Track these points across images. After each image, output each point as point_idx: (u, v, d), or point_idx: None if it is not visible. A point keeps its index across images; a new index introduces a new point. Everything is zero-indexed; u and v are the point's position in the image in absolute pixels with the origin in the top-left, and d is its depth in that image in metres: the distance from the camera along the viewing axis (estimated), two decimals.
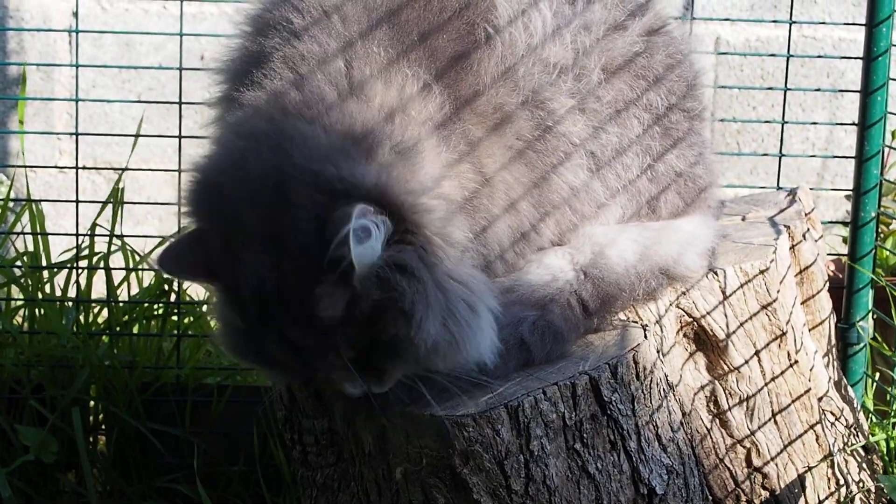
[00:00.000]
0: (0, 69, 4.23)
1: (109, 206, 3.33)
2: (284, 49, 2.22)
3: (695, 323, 2.51)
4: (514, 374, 2.26)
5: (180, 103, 3.31)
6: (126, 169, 3.29)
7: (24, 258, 3.24)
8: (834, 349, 2.87)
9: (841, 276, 3.26)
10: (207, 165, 2.17)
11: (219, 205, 2.09)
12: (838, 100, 4.35)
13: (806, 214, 2.87)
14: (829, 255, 3.21)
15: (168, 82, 4.24)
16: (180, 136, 3.27)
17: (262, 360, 2.11)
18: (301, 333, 2.04)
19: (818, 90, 4.11)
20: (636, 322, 2.41)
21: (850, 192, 3.23)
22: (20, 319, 3.38)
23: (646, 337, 2.35)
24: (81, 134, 3.40)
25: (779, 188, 3.32)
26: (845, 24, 3.57)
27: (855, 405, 2.83)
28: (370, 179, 2.03)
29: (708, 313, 2.51)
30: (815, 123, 3.83)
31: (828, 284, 2.84)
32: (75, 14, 4.21)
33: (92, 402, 3.21)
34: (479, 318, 2.12)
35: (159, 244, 3.35)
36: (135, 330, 3.31)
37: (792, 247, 2.75)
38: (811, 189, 3.05)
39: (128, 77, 4.25)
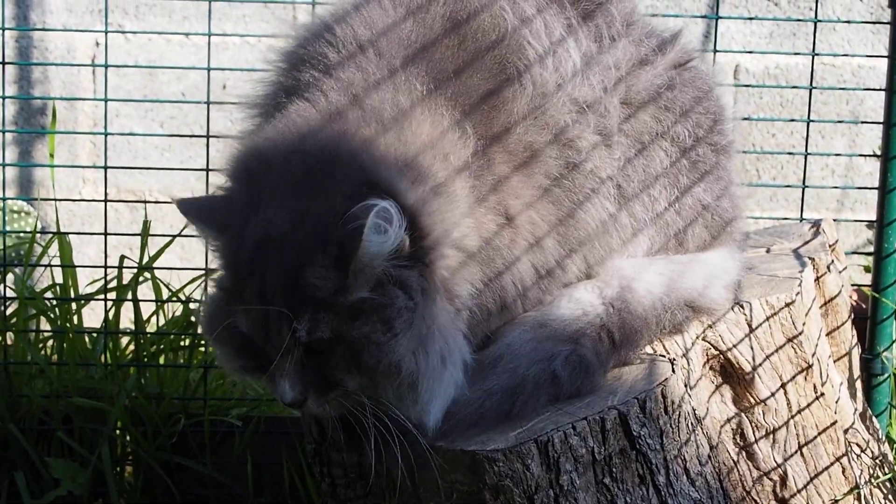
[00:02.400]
0: (25, 92, 4.25)
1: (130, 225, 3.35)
2: (325, 79, 2.26)
3: (721, 356, 2.52)
4: (544, 409, 2.27)
5: (207, 136, 3.33)
6: (149, 201, 3.31)
7: (54, 290, 3.26)
8: (858, 380, 2.89)
9: (864, 305, 3.27)
10: (260, 137, 2.23)
11: (260, 170, 2.13)
12: (858, 126, 4.36)
13: (830, 246, 2.88)
14: (852, 285, 3.22)
15: (190, 111, 4.26)
16: (207, 169, 3.30)
17: (226, 332, 2.14)
18: (279, 288, 2.05)
19: (840, 122, 4.12)
20: (663, 356, 2.43)
21: (871, 221, 3.24)
22: (49, 350, 3.40)
23: (673, 371, 2.36)
24: (110, 167, 3.42)
25: (802, 219, 3.33)
26: (867, 55, 3.58)
27: (880, 436, 2.84)
28: (409, 200, 2.07)
29: (734, 346, 2.52)
30: (837, 155, 3.85)
31: (852, 315, 2.85)
32: (98, 44, 4.24)
33: (119, 432, 3.23)
34: (445, 373, 2.13)
35: (190, 282, 3.39)
36: (161, 361, 3.33)
37: (817, 279, 2.76)
38: (834, 220, 3.07)
39: (151, 105, 4.28)
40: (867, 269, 3.45)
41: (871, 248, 3.30)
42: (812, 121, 3.53)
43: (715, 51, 3.49)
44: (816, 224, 2.97)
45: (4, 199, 3.30)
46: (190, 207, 2.19)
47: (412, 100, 2.22)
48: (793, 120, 4.09)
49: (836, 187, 4.21)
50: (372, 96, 2.21)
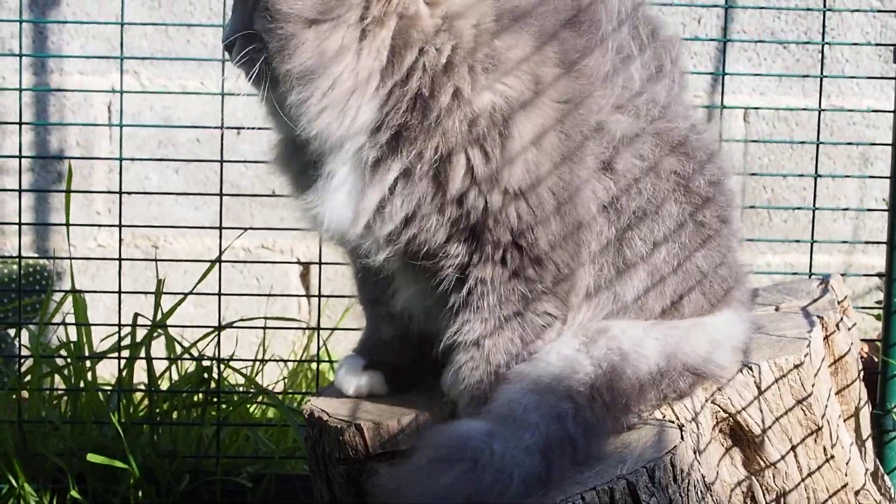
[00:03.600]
0: (41, 140, 4.29)
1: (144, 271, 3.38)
2: None
3: (731, 418, 2.53)
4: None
5: (220, 195, 3.36)
6: (163, 260, 3.33)
7: (68, 347, 3.28)
8: (870, 437, 2.89)
9: (875, 358, 3.27)
10: None
11: None
12: (869, 168, 4.36)
13: (839, 303, 2.89)
14: (862, 339, 3.23)
15: (205, 156, 4.28)
16: (220, 228, 3.33)
17: None
18: None
19: (847, 176, 4.16)
20: (672, 421, 2.43)
21: (881, 274, 3.25)
22: (63, 407, 3.42)
23: (682, 437, 2.37)
24: (125, 226, 3.46)
25: (811, 274, 3.35)
26: (874, 111, 3.60)
27: (892, 495, 2.84)
28: None
29: (743, 409, 2.53)
30: (846, 210, 3.89)
31: (862, 373, 2.86)
32: (115, 90, 4.27)
33: (132, 490, 3.24)
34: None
35: (203, 337, 3.41)
36: (174, 417, 3.35)
37: (826, 337, 2.77)
38: (842, 274, 3.08)
39: (165, 152, 4.31)
40: (878, 318, 3.46)
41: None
42: (819, 175, 3.55)
43: (722, 106, 3.51)
44: (825, 280, 2.98)
45: (21, 258, 3.32)
46: None
47: None
48: (801, 175, 4.09)
49: (845, 242, 4.23)
50: None
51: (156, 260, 3.83)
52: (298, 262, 4.36)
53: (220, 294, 3.29)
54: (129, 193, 3.59)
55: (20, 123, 3.48)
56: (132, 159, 3.87)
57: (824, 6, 3.67)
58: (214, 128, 3.41)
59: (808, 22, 4.33)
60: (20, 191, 3.68)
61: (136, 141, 4.25)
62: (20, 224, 3.48)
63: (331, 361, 3.59)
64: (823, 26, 3.73)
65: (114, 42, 4.17)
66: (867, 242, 4.00)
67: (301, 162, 2.43)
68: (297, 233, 3.80)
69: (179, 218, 4.26)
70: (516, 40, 2.32)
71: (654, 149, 2.45)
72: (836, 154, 4.36)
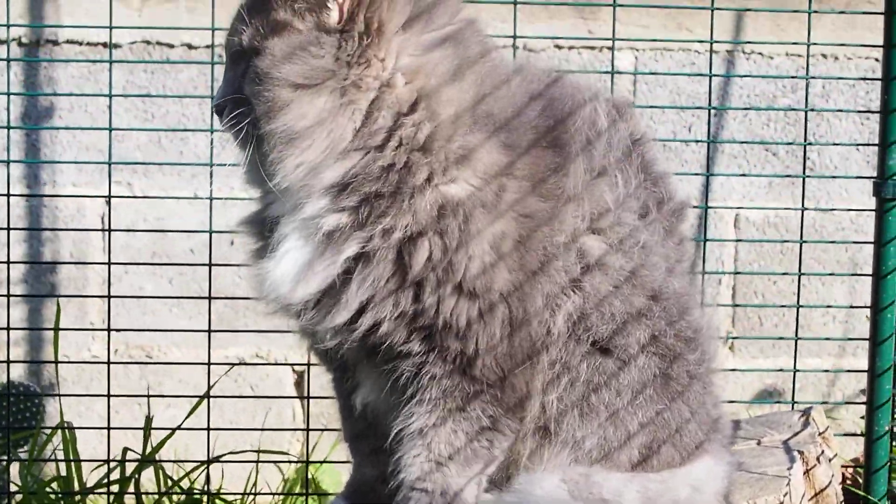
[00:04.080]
0: (34, 252, 4.33)
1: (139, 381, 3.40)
2: None
3: None
4: None
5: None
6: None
7: (59, 481, 3.31)
8: None
9: (860, 479, 3.29)
10: None
11: None
12: (858, 277, 4.40)
13: (820, 434, 2.92)
14: (843, 465, 3.25)
15: (199, 266, 4.32)
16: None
17: None
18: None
19: (832, 274, 4.20)
20: None
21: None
22: None
23: None
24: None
25: (794, 403, 3.37)
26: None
27: None
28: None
29: None
30: (829, 307, 3.92)
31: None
32: (108, 202, 4.31)
33: None
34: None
35: (192, 470, 3.43)
36: None
37: (806, 471, 2.79)
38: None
39: (160, 261, 4.34)
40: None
41: None
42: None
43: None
44: (806, 413, 3.01)
45: (10, 393, 3.35)
46: None
47: None
48: (786, 273, 4.13)
49: (828, 339, 4.25)
50: None
51: (150, 362, 3.85)
52: (293, 369, 4.39)
53: (208, 429, 3.32)
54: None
55: (8, 229, 3.54)
56: (124, 264, 3.91)
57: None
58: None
59: (797, 129, 4.37)
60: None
61: (131, 252, 4.29)
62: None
63: (323, 494, 3.61)
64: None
65: (107, 154, 4.22)
66: (851, 370, 4.04)
67: (267, 229, 2.51)
68: (292, 342, 3.83)
69: (174, 325, 4.30)
70: (489, 146, 2.39)
71: (626, 288, 2.48)
72: (826, 260, 4.39)
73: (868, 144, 4.02)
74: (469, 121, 2.40)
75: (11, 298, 3.73)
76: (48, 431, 3.43)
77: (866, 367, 3.16)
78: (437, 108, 2.39)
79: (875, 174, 3.30)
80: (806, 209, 3.76)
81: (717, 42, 3.64)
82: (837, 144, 4.28)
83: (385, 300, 2.38)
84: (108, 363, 3.43)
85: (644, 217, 2.52)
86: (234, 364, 4.21)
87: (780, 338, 4.01)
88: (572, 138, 2.49)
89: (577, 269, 2.44)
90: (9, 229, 3.56)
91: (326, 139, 2.37)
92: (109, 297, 3.43)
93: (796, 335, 3.58)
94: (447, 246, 2.36)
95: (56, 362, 3.51)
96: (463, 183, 2.37)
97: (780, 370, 4.04)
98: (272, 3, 2.41)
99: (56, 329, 3.42)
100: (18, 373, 4.25)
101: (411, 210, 2.36)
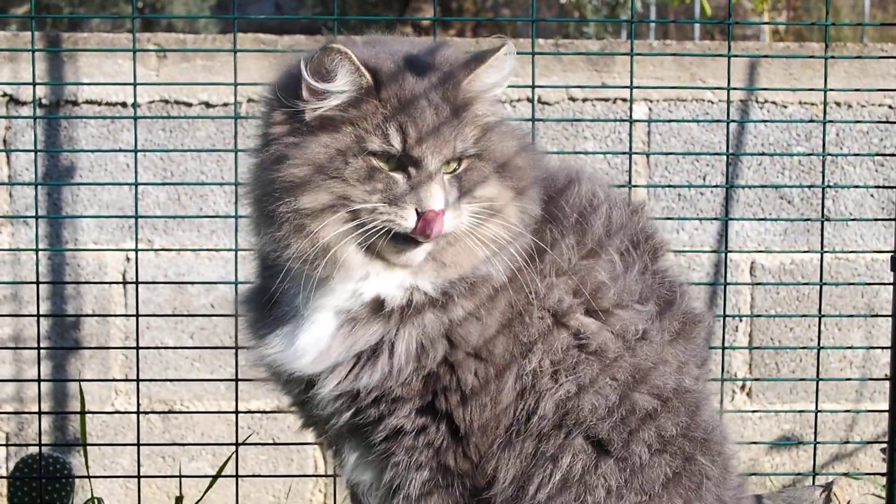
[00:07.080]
0: (57, 307, 4.36)
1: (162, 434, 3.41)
2: None
3: None
4: None
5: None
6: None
7: None
8: None
9: None
10: None
11: None
12: (875, 318, 4.42)
13: None
14: None
15: (220, 321, 4.35)
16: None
17: None
18: None
19: (850, 315, 4.22)
20: None
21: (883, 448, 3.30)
22: None
23: None
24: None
25: (814, 475, 3.40)
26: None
27: None
28: None
29: None
30: (849, 348, 3.94)
31: None
32: (129, 259, 4.35)
33: None
34: None
35: None
36: None
37: None
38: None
39: (180, 319, 4.38)
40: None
41: None
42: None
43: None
44: (828, 488, 3.04)
45: (42, 456, 3.37)
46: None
47: None
48: (804, 315, 4.16)
49: (848, 411, 4.29)
50: None
51: (178, 411, 3.86)
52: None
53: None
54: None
55: (38, 283, 3.56)
56: (150, 315, 3.94)
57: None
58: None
59: (812, 177, 4.42)
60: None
61: (151, 307, 4.32)
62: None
63: None
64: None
65: (127, 211, 4.27)
66: (869, 411, 4.06)
67: (267, 306, 2.54)
68: None
69: (196, 383, 4.33)
70: None
71: (625, 374, 2.49)
72: (842, 305, 4.42)
73: (885, 187, 4.05)
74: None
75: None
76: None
77: (887, 408, 3.18)
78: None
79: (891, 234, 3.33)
80: (825, 251, 3.79)
81: (732, 89, 3.69)
82: (856, 187, 4.32)
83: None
84: (138, 413, 3.43)
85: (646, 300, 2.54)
86: (262, 412, 4.25)
87: (802, 378, 4.02)
88: (560, 213, 2.52)
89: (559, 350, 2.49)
90: (38, 283, 3.59)
91: None
92: (138, 348, 3.45)
93: (818, 376, 3.60)
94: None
95: (82, 413, 3.52)
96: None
97: (801, 411, 4.06)
98: None
99: (80, 380, 3.45)
100: (45, 438, 4.28)
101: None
